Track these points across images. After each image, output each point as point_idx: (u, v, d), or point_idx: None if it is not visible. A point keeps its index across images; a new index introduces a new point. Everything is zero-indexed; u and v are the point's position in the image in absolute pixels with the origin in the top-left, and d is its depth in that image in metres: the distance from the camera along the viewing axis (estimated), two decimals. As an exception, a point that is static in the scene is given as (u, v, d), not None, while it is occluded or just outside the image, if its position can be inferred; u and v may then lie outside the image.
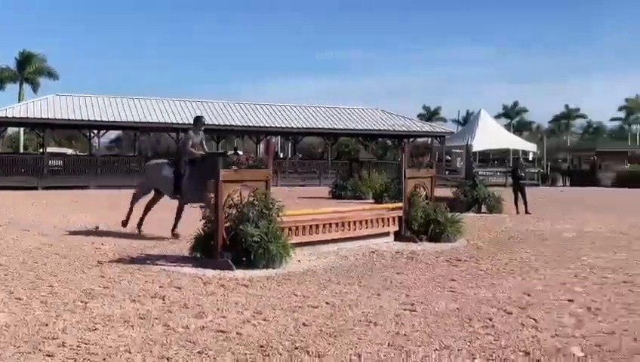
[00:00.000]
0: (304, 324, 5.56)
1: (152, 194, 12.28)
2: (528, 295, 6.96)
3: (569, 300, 6.73)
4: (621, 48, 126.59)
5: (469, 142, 33.80)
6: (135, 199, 12.26)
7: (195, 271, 8.06)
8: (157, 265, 8.53)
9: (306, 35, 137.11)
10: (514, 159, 41.92)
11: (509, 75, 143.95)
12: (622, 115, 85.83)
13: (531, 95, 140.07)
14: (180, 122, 35.68)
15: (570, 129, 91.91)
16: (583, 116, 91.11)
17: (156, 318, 5.71)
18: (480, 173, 25.26)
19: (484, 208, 18.09)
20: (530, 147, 44.52)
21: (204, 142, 11.86)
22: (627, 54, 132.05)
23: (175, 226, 11.28)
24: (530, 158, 51.90)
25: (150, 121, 35.27)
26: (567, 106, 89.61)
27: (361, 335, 5.24)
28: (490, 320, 5.83)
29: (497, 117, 72.85)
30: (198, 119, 12.15)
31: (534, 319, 5.86)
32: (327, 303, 6.42)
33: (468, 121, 53.82)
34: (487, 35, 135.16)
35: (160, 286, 7.14)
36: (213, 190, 8.60)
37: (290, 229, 9.22)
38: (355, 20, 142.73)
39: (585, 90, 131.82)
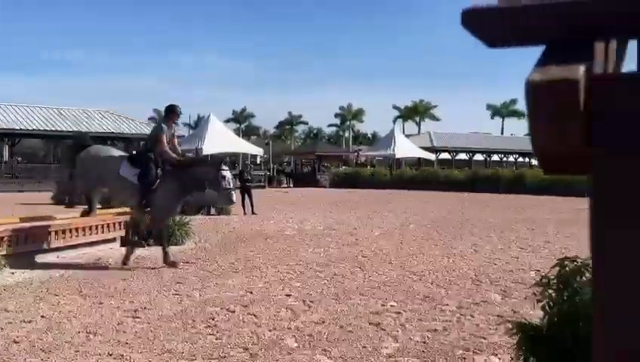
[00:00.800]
0: (15, 341, 5.16)
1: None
2: (251, 292, 7.31)
3: (287, 295, 7.22)
4: (340, 63, 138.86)
5: (199, 146, 34.14)
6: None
7: None
8: None
9: (31, 33, 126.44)
10: (243, 163, 43.41)
11: (238, 82, 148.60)
12: (337, 121, 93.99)
13: (259, 101, 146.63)
14: None
15: (293, 134, 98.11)
16: (305, 122, 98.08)
17: None
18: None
19: (213, 210, 18.46)
20: (258, 151, 46.30)
21: (175, 139, 9.50)
22: (342, 67, 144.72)
23: (165, 251, 9.08)
24: (258, 161, 54.22)
25: None
26: (290, 113, 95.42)
27: (78, 347, 5.03)
28: (214, 319, 6.01)
29: (227, 121, 74.68)
30: (171, 109, 9.37)
31: (254, 315, 6.19)
32: (43, 317, 6.03)
33: (198, 125, 54.17)
34: (217, 44, 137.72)
35: None
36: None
37: (2, 239, 8.49)
38: (80, 21, 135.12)
39: (307, 98, 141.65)
